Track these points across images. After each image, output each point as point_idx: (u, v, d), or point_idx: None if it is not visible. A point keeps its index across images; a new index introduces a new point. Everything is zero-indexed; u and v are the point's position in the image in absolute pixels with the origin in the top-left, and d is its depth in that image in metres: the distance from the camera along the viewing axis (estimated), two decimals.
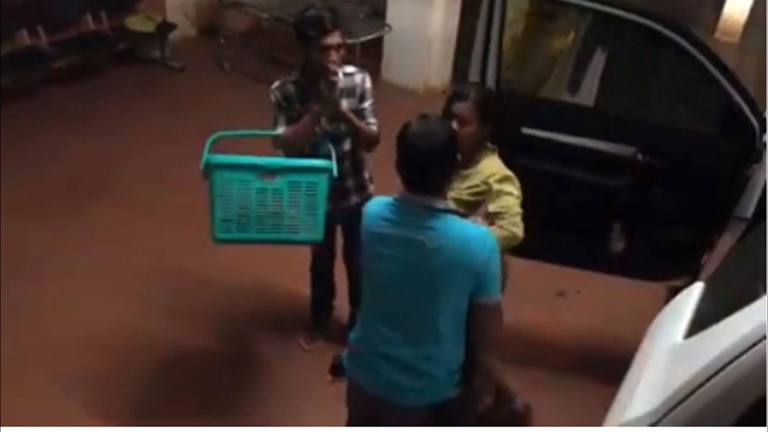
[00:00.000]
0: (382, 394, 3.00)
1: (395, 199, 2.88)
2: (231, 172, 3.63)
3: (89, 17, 7.79)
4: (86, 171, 6.42)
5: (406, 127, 2.84)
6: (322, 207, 3.71)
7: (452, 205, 2.99)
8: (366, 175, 4.23)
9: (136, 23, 8.04)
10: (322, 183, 3.70)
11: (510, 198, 3.42)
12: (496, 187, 3.42)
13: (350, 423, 3.34)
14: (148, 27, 8.05)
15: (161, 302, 5.10)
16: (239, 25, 8.46)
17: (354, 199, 4.15)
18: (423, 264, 2.82)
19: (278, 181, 3.64)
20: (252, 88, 7.35)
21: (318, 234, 3.78)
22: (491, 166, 3.50)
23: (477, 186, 3.46)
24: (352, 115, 3.85)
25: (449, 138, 2.83)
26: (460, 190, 3.42)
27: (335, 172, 3.68)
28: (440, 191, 2.85)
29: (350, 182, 4.13)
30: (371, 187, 4.23)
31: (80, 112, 7.17)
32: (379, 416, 3.11)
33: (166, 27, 8.18)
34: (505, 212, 3.39)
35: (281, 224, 3.72)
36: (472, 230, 2.86)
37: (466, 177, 3.44)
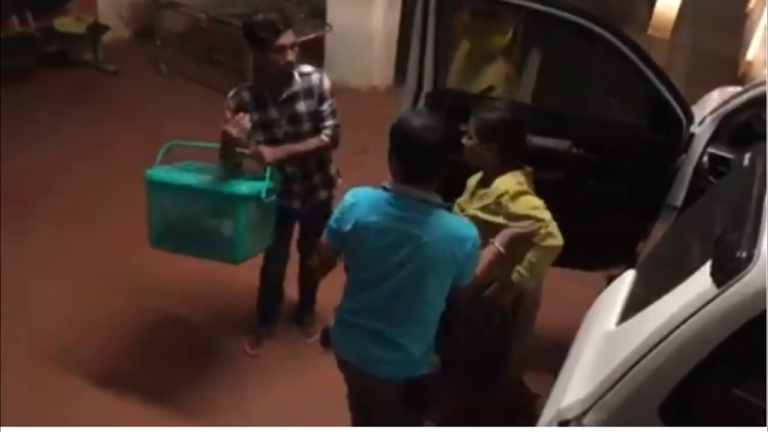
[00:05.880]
0: (361, 365, 2.54)
1: (392, 192, 2.35)
2: (164, 190, 3.05)
3: (15, 18, 5.84)
4: (19, 181, 4.76)
5: (405, 121, 2.35)
6: (241, 231, 3.00)
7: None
8: (333, 170, 3.42)
9: (66, 24, 6.13)
10: (243, 210, 2.99)
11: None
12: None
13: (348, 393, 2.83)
14: (79, 28, 6.12)
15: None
16: (176, 25, 6.52)
17: (322, 195, 3.40)
18: (415, 256, 2.33)
19: (205, 202, 3.01)
20: (190, 90, 6.06)
21: (235, 256, 3.05)
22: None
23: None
24: (296, 147, 3.11)
25: (446, 132, 2.39)
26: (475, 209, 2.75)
27: (263, 195, 2.99)
28: (435, 184, 2.39)
29: (317, 178, 3.36)
30: (339, 181, 3.46)
31: (9, 118, 5.34)
32: (362, 387, 2.64)
33: (98, 28, 6.22)
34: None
35: (208, 241, 3.05)
36: (461, 225, 2.40)
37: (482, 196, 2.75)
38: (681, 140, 3.37)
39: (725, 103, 3.42)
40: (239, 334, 3.61)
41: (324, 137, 3.21)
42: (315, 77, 3.18)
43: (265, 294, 3.70)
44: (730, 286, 1.96)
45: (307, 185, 3.35)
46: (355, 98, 5.89)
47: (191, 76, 6.25)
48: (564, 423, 2.17)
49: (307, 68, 3.21)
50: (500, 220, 2.47)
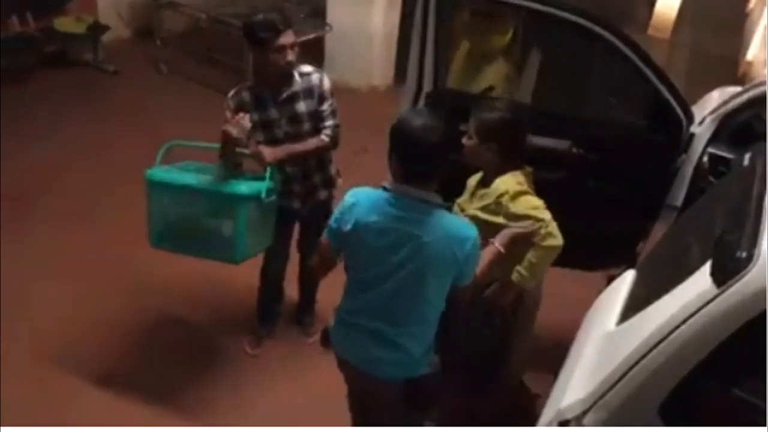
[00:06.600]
0: (361, 365, 2.51)
1: (392, 192, 2.31)
2: (164, 190, 3.01)
3: (15, 18, 5.77)
4: (19, 181, 4.66)
5: (405, 121, 2.31)
6: (241, 231, 2.96)
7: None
8: (333, 170, 3.36)
9: (66, 24, 6.04)
10: (243, 210, 2.95)
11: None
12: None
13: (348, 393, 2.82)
14: (79, 28, 6.03)
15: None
16: (176, 25, 6.42)
17: (322, 195, 3.35)
18: (415, 256, 2.30)
19: (205, 202, 2.97)
20: (190, 90, 5.97)
21: (235, 256, 3.00)
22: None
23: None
24: (296, 147, 3.05)
25: (446, 132, 2.34)
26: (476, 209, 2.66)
27: (263, 195, 2.94)
28: (435, 184, 2.35)
29: (317, 178, 3.30)
30: (339, 181, 3.39)
31: (9, 118, 5.26)
32: (362, 387, 2.62)
33: (98, 28, 6.14)
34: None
35: (208, 241, 3.00)
36: (461, 225, 2.36)
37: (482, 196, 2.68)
38: (681, 140, 3.28)
39: (725, 103, 3.35)
40: (239, 334, 3.57)
41: (324, 137, 3.16)
42: (315, 77, 3.13)
43: (265, 294, 3.65)
44: (730, 286, 1.91)
45: (307, 185, 3.29)
46: (355, 98, 5.75)
47: (191, 76, 6.15)
48: (564, 423, 2.13)
49: (307, 68, 3.15)
50: (500, 220, 2.43)
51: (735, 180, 2.51)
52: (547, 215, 2.41)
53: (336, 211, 2.34)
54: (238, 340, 3.54)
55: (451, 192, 2.55)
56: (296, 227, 3.42)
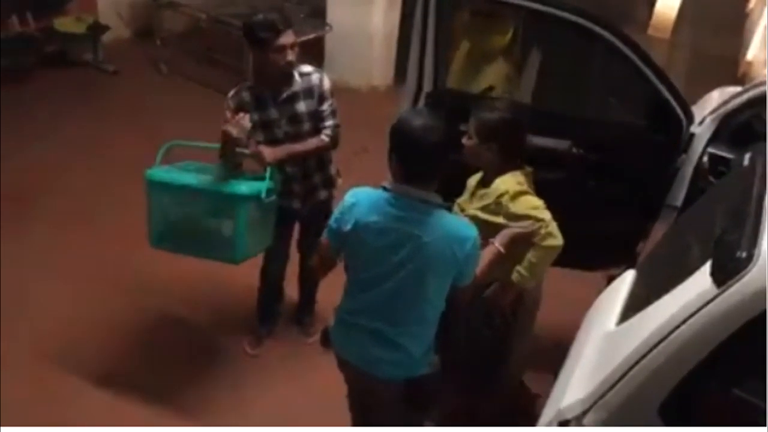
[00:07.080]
0: (361, 365, 2.50)
1: (392, 192, 2.31)
2: (164, 190, 3.01)
3: (15, 18, 5.77)
4: (19, 181, 4.65)
5: (405, 121, 2.30)
6: (241, 231, 2.95)
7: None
8: (333, 170, 3.36)
9: (66, 24, 6.04)
10: (243, 210, 2.94)
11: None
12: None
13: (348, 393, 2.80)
14: (79, 28, 6.03)
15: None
16: (176, 25, 6.42)
17: (322, 195, 3.34)
18: (416, 256, 2.30)
19: (205, 202, 2.98)
20: (190, 90, 5.99)
21: (235, 256, 2.99)
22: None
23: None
24: (296, 147, 3.05)
25: (446, 132, 2.32)
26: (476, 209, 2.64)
27: (263, 195, 2.94)
28: (435, 184, 2.34)
29: (317, 178, 3.29)
30: (339, 181, 3.38)
31: (9, 118, 5.25)
32: (362, 387, 2.61)
33: (98, 28, 6.13)
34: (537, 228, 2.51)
35: (208, 240, 3.00)
36: (461, 225, 2.35)
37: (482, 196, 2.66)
38: (681, 140, 3.27)
39: (725, 103, 3.34)
40: (239, 334, 3.56)
41: (324, 137, 3.14)
42: (315, 77, 3.12)
43: (265, 294, 3.64)
44: (730, 286, 1.91)
45: (307, 185, 3.27)
46: (355, 98, 5.73)
47: (191, 76, 6.15)
48: (564, 423, 2.12)
49: (307, 68, 3.14)
50: (500, 220, 2.43)
51: (735, 180, 2.50)
52: (547, 215, 2.41)
53: (336, 211, 2.33)
54: (238, 340, 3.53)
55: (451, 192, 2.54)
56: (296, 227, 3.34)
